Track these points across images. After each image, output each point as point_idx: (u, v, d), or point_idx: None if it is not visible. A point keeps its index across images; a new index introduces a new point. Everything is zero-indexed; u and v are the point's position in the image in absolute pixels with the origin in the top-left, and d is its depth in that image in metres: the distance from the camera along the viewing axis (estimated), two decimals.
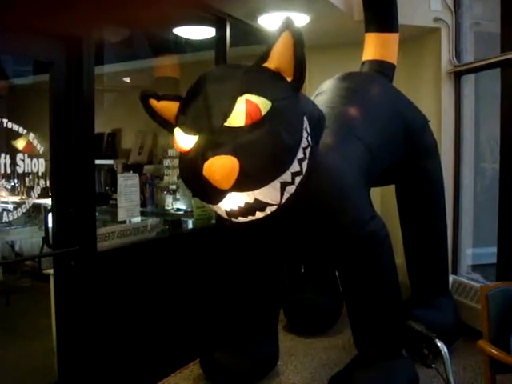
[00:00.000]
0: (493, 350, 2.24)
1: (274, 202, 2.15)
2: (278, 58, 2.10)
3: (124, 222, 3.13)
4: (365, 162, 2.78)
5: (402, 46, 3.65)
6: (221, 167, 1.95)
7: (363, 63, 3.53)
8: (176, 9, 3.51)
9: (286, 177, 2.11)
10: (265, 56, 2.13)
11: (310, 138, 2.16)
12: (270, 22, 3.81)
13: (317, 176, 2.32)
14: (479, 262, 4.21)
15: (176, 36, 4.08)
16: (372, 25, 3.54)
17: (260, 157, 2.00)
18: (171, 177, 3.96)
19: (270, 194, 2.11)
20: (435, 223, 3.50)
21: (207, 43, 3.91)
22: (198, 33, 3.99)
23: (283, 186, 2.11)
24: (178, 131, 2.16)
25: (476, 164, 4.27)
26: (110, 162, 5.26)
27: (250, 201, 2.10)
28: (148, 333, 3.08)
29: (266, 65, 2.12)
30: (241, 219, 2.19)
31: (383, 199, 4.30)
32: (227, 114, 2.00)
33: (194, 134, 2.08)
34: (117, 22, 3.82)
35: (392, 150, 3.09)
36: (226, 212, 2.18)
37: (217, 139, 2.01)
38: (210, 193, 2.08)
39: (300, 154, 2.12)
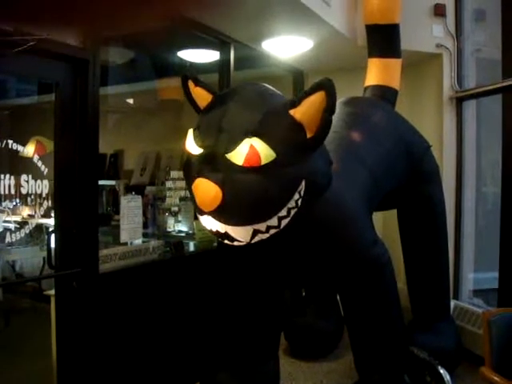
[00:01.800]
0: (495, 377, 2.22)
1: (242, 240, 2.16)
2: (306, 113, 2.04)
3: (126, 243, 3.12)
4: (368, 186, 2.78)
5: (405, 72, 3.68)
6: (205, 191, 2.01)
7: (366, 88, 3.56)
8: (181, 32, 3.55)
9: (261, 227, 2.11)
10: (296, 103, 2.06)
11: (299, 201, 2.13)
12: (274, 46, 3.85)
13: (321, 203, 2.31)
14: (481, 287, 4.20)
15: (180, 59, 4.11)
16: (375, 50, 3.57)
17: (243, 200, 2.01)
18: (173, 198, 3.95)
19: (241, 234, 2.13)
20: (437, 248, 3.49)
21: (211, 66, 3.94)
22: (203, 56, 4.03)
23: (255, 232, 2.13)
24: (190, 134, 2.17)
25: (478, 188, 4.28)
26: (112, 182, 5.27)
27: (221, 231, 2.12)
28: (149, 355, 3.06)
29: (292, 111, 2.06)
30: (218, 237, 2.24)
31: (385, 223, 4.30)
32: (230, 148, 2.00)
33: (200, 147, 2.09)
34: (123, 44, 3.87)
35: (394, 175, 3.10)
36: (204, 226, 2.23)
37: (214, 164, 2.03)
38: (195, 204, 2.14)
39: (283, 212, 2.11)
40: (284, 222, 2.14)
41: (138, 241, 3.24)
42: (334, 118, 3.02)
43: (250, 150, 1.97)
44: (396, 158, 3.09)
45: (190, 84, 2.31)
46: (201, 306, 3.44)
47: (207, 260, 3.54)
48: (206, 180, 2.01)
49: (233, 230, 2.11)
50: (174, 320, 3.24)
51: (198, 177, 2.04)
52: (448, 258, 3.59)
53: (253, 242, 2.17)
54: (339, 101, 3.45)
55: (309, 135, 2.06)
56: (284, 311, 3.20)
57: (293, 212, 2.14)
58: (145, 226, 3.88)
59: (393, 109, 3.50)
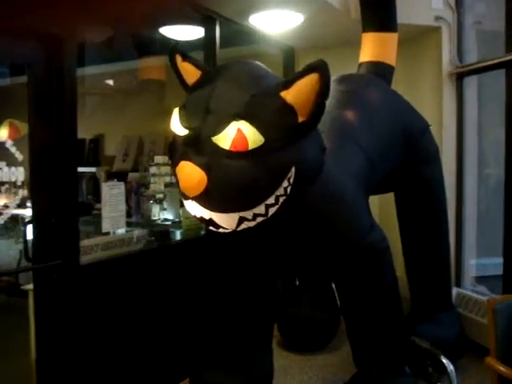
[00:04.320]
0: (501, 368, 2.24)
1: (228, 228, 2.18)
2: (298, 95, 2.03)
3: (108, 233, 3.12)
4: (363, 169, 2.79)
5: (401, 47, 3.66)
6: (189, 175, 2.02)
7: (360, 65, 3.55)
8: (162, 7, 3.52)
9: (247, 214, 2.13)
10: (287, 84, 2.05)
11: (288, 189, 2.13)
12: (262, 21, 3.82)
13: (314, 186, 2.31)
14: (484, 274, 4.22)
15: (162, 36, 4.08)
16: (369, 24, 3.55)
17: (228, 186, 2.02)
18: (158, 185, 3.95)
19: (226, 221, 2.15)
20: (436, 233, 3.52)
21: (195, 44, 3.91)
22: (186, 33, 3.99)
23: (241, 220, 2.14)
24: (176, 113, 2.16)
25: (479, 170, 4.29)
26: (93, 169, 5.26)
27: (205, 217, 2.14)
28: (134, 350, 3.06)
29: (283, 93, 2.04)
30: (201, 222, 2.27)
31: (382, 208, 4.32)
32: (216, 131, 2.00)
33: (186, 128, 2.09)
34: (100, 21, 3.82)
35: (391, 156, 3.10)
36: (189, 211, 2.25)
37: (199, 147, 2.03)
38: (180, 186, 2.15)
39: (271, 200, 2.12)
40: (272, 210, 2.15)
41: (122, 230, 3.24)
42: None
43: (237, 134, 1.97)
44: (393, 138, 3.10)
45: (177, 58, 2.30)
46: (189, 298, 3.44)
47: (195, 249, 3.54)
48: (191, 163, 2.02)
49: (218, 217, 2.13)
50: (161, 313, 3.25)
51: (182, 159, 2.05)
52: (449, 244, 3.62)
53: (239, 229, 2.18)
54: (332, 79, 3.43)
55: (300, 119, 2.06)
56: (276, 301, 3.21)
57: (281, 200, 2.15)
58: (128, 214, 3.86)
59: (389, 86, 3.49)
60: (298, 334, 3.88)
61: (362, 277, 2.65)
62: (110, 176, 4.89)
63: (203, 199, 2.06)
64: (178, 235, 3.87)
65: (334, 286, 3.23)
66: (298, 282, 4.21)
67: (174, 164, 2.16)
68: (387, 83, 3.50)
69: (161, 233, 3.76)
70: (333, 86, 3.20)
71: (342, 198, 2.56)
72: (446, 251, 3.60)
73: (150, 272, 3.18)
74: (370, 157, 2.84)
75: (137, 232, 3.34)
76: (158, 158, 3.99)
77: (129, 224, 3.67)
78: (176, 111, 2.17)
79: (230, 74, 2.15)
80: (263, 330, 3.05)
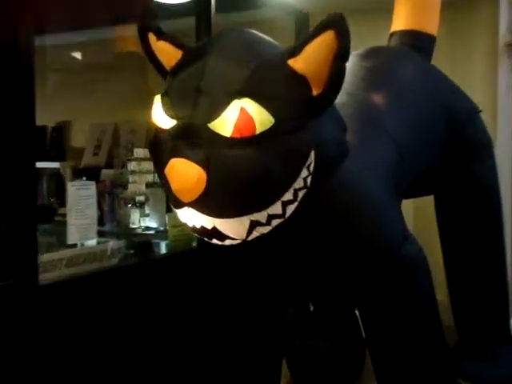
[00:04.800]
0: None
1: (236, 237, 2.16)
2: (311, 61, 2.03)
3: (75, 245, 3.14)
4: (395, 165, 2.80)
5: (445, 12, 3.66)
6: (184, 176, 1.99)
7: (392, 35, 3.57)
8: None
9: (260, 217, 2.10)
10: (295, 51, 2.05)
11: (308, 180, 2.12)
12: None
13: (334, 186, 2.33)
14: None
15: None
16: None
17: (234, 182, 2.00)
18: (138, 185, 3.98)
19: (234, 229, 2.13)
20: (489, 247, 3.51)
21: (186, 8, 3.93)
22: None
23: (254, 224, 2.11)
24: (157, 101, 2.14)
25: None
26: (56, 164, 5.28)
27: (207, 226, 2.11)
28: None
29: (291, 62, 2.05)
30: (197, 235, 2.25)
31: (417, 215, 4.33)
32: (214, 114, 1.97)
33: (173, 118, 2.07)
34: None
35: (430, 149, 3.12)
36: (182, 224, 2.24)
37: (193, 138, 2.01)
38: (169, 191, 2.12)
39: (288, 196, 2.10)
40: (290, 209, 2.13)
41: (92, 241, 3.26)
42: (349, 75, 3.02)
43: (241, 115, 1.94)
44: (432, 127, 3.11)
45: (151, 37, 2.29)
46: (176, 326, 3.46)
47: (184, 265, 3.56)
48: (184, 160, 1.98)
49: (223, 225, 2.09)
50: (140, 343, 3.26)
51: (173, 157, 2.01)
52: (505, 261, 3.61)
53: (250, 238, 2.16)
54: (355, 53, 3.45)
55: (315, 91, 2.06)
56: (285, 331, 3.23)
57: (301, 195, 2.12)
58: (100, 221, 3.90)
59: (428, 62, 3.50)
60: (313, 371, 3.87)
61: (394, 299, 2.63)
62: (78, 173, 4.90)
63: (203, 203, 2.02)
64: (163, 248, 3.91)
65: (357, 311, 3.23)
66: (312, 308, 4.23)
67: (159, 166, 2.13)
68: (426, 58, 3.50)
69: (141, 245, 3.78)
70: (357, 62, 3.27)
71: (369, 202, 2.55)
72: (502, 270, 3.59)
73: (127, 294, 3.18)
74: (402, 150, 2.84)
75: (111, 244, 3.36)
76: (139, 151, 4.02)
77: (101, 233, 3.68)
78: (157, 99, 2.14)
79: (223, 45, 2.14)
80: (268, 368, 3.06)
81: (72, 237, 3.09)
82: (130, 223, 4.12)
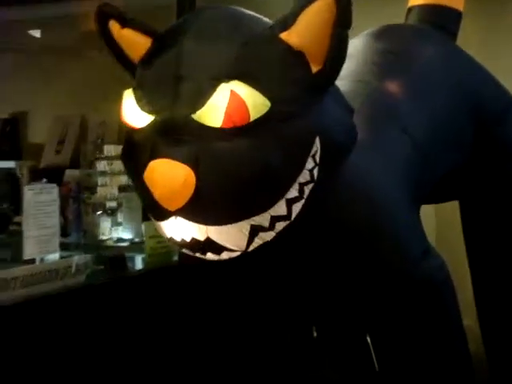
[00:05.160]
0: None
1: (235, 248, 2.13)
2: (306, 34, 2.04)
3: (33, 260, 3.15)
4: (414, 165, 2.79)
5: None
6: (168, 179, 1.96)
7: (410, 10, 3.57)
8: None
9: (262, 220, 2.08)
10: (287, 22, 2.06)
11: (315, 172, 2.12)
12: None
13: (341, 190, 2.33)
14: None
15: None
16: None
17: (228, 180, 1.99)
18: (109, 188, 3.99)
19: (232, 238, 2.10)
20: None
21: None
22: None
23: (255, 230, 2.09)
24: (128, 97, 2.12)
25: None
26: (10, 164, 5.27)
27: (200, 237, 2.09)
28: None
29: (284, 35, 2.05)
30: (187, 252, 2.24)
31: (440, 223, 4.34)
32: (199, 102, 1.97)
33: (150, 113, 2.06)
34: None
35: (455, 147, 3.12)
36: (167, 239, 2.22)
37: (176, 135, 2.00)
38: (149, 201, 2.09)
39: (293, 192, 2.09)
40: (296, 208, 2.12)
41: (54, 256, 3.28)
42: (359, 59, 3.05)
43: (232, 100, 1.93)
44: (457, 120, 3.10)
45: (113, 25, 2.28)
46: (154, 354, 3.47)
47: (163, 283, 3.59)
48: (167, 160, 1.96)
49: (219, 233, 2.07)
50: (113, 374, 3.26)
51: (153, 159, 1.99)
52: None
53: (251, 248, 2.13)
54: (366, 32, 3.44)
55: (315, 68, 2.07)
56: (285, 360, 3.23)
57: (307, 190, 2.12)
58: (64, 231, 3.90)
59: (453, 43, 3.50)
60: None
61: (412, 324, 2.61)
62: (37, 174, 4.89)
63: (194, 209, 1.99)
64: (138, 262, 3.94)
65: (368, 337, 3.24)
66: (315, 333, 4.23)
67: (136, 174, 2.10)
68: (450, 38, 3.49)
69: (113, 259, 3.78)
70: (368, 44, 3.27)
71: (382, 208, 2.54)
72: None
73: (96, 317, 3.20)
74: (422, 147, 2.83)
75: (77, 258, 3.34)
76: (110, 149, 4.03)
77: (64, 246, 3.70)
78: (128, 94, 2.13)
79: (201, 25, 2.14)
80: None
81: (29, 251, 3.08)
82: (100, 234, 4.12)
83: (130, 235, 4.08)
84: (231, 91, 1.93)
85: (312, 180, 2.11)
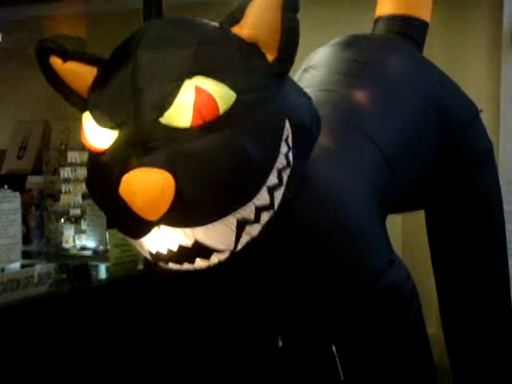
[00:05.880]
0: None
1: (224, 247, 2.16)
2: (256, 23, 2.11)
3: None
4: (380, 175, 2.84)
5: None
6: (146, 187, 1.92)
7: (377, 20, 3.61)
8: None
9: (247, 212, 2.11)
10: (236, 16, 2.12)
11: (291, 155, 2.17)
12: None
13: (305, 197, 2.36)
14: None
15: None
16: None
17: (209, 176, 2.00)
18: (73, 196, 4.00)
19: (220, 236, 2.12)
20: (491, 271, 3.54)
21: None
22: None
23: (241, 224, 2.12)
24: (87, 118, 2.13)
25: None
26: None
27: (188, 243, 2.10)
28: None
29: (235, 30, 2.12)
30: (173, 266, 2.21)
31: (406, 232, 4.39)
32: (165, 104, 2.00)
33: (113, 128, 2.07)
34: None
35: (421, 157, 3.16)
36: (151, 254, 2.19)
37: (146, 142, 2.00)
38: (127, 221, 2.08)
39: (273, 179, 2.12)
40: (278, 196, 2.15)
41: (15, 265, 3.30)
42: (325, 68, 3.08)
43: (198, 95, 1.97)
44: (423, 129, 3.15)
45: (54, 61, 2.30)
46: (118, 366, 3.49)
47: (128, 293, 3.62)
48: (142, 169, 1.95)
49: (206, 233, 2.08)
50: None
51: (126, 172, 1.96)
52: (509, 287, 3.64)
53: (240, 246, 2.16)
54: (333, 42, 3.48)
55: (270, 57, 2.14)
56: (249, 371, 3.25)
57: (285, 176, 2.15)
58: (26, 239, 3.89)
59: (419, 53, 3.54)
60: None
61: (377, 335, 2.66)
62: None
63: (178, 212, 1.97)
64: (102, 272, 3.95)
65: (334, 348, 3.26)
66: (280, 343, 4.24)
67: (108, 193, 2.07)
68: (417, 48, 3.54)
69: (76, 268, 3.73)
70: (335, 53, 3.31)
71: (348, 219, 2.58)
72: (506, 297, 3.62)
73: (58, 327, 3.22)
74: (388, 157, 2.87)
75: (39, 268, 3.34)
76: (74, 155, 4.04)
77: (26, 254, 3.72)
78: (86, 117, 2.13)
79: (150, 36, 2.16)
80: None
81: None
82: (63, 242, 4.12)
83: (93, 244, 4.09)
84: (196, 86, 1.97)
85: (288, 164, 2.14)
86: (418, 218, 3.67)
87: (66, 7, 5.00)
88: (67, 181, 4.02)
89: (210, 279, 2.53)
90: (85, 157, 3.83)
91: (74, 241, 4.11)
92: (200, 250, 2.11)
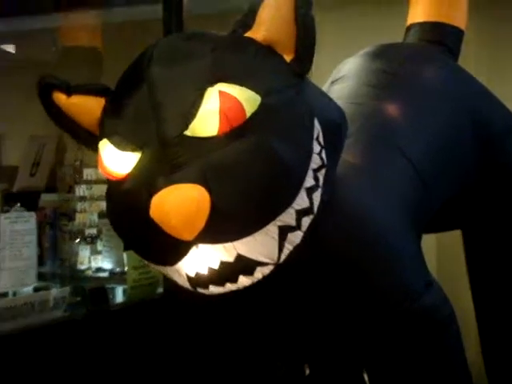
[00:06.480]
0: None
1: (268, 260, 2.11)
2: (269, 24, 2.10)
3: (5, 294, 3.14)
4: (413, 192, 2.80)
5: (477, 2, 3.71)
6: (181, 204, 1.86)
7: (409, 28, 3.59)
8: None
9: (288, 218, 2.07)
10: (247, 22, 2.12)
11: (324, 154, 2.15)
12: None
13: (334, 216, 2.32)
14: None
15: None
16: None
17: (243, 185, 1.96)
18: (89, 215, 3.98)
19: (262, 247, 2.07)
20: None
21: None
22: None
23: (283, 231, 2.07)
24: (105, 145, 2.10)
25: None
26: None
27: (230, 259, 2.05)
28: None
29: (249, 35, 2.11)
30: (214, 289, 2.16)
31: (441, 254, 4.34)
32: (188, 116, 1.97)
33: (134, 151, 2.04)
34: None
35: (457, 171, 3.11)
36: (190, 279, 2.14)
37: (173, 158, 1.96)
38: (161, 248, 2.04)
39: (309, 181, 2.10)
40: (316, 198, 2.12)
41: (28, 289, 3.26)
42: (354, 80, 3.07)
43: (223, 100, 1.95)
44: (460, 143, 3.11)
45: (58, 96, 2.27)
46: None
47: (147, 318, 3.58)
48: (173, 187, 1.89)
49: (249, 245, 2.04)
50: None
51: (155, 193, 1.90)
52: None
53: (283, 257, 2.11)
54: (363, 52, 3.45)
55: (288, 57, 2.12)
56: None
57: (321, 177, 2.13)
58: (39, 260, 3.87)
59: (454, 62, 3.51)
60: None
61: (413, 362, 2.61)
62: (10, 199, 4.81)
63: (216, 227, 1.93)
64: (120, 295, 3.94)
65: (366, 375, 3.22)
66: (307, 371, 4.20)
67: (136, 219, 2.02)
68: (452, 57, 3.50)
69: (93, 291, 3.74)
70: (364, 64, 3.29)
71: (379, 235, 2.53)
72: None
73: (74, 354, 3.19)
74: (422, 173, 2.84)
75: (54, 291, 3.33)
76: (90, 172, 4.01)
77: (40, 276, 3.65)
78: (104, 144, 2.11)
79: (163, 54, 2.16)
80: None
81: (5, 283, 3.07)
82: (78, 263, 4.10)
83: (110, 265, 4.06)
84: (220, 91, 1.95)
85: (323, 164, 2.13)
86: (454, 235, 3.63)
87: (81, 17, 5.00)
88: (83, 199, 4.00)
89: (238, 302, 2.50)
90: (100, 173, 3.84)
91: (89, 262, 4.09)
92: (243, 264, 2.07)
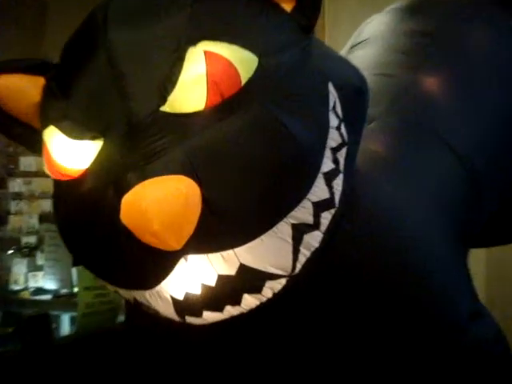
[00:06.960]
0: None
1: (280, 272, 2.03)
2: None
3: None
4: (458, 191, 2.82)
5: None
6: (163, 203, 1.73)
7: None
8: None
9: (304, 213, 2.00)
10: None
11: (343, 129, 2.10)
12: None
13: (353, 224, 2.29)
14: None
15: None
16: None
17: (243, 171, 1.88)
18: (26, 218, 4.00)
19: (272, 254, 1.99)
20: None
21: None
22: None
23: (298, 232, 2.00)
24: (52, 134, 2.04)
25: None
26: None
27: (230, 272, 1.95)
28: None
29: None
30: (209, 316, 2.06)
31: (491, 271, 4.42)
32: (166, 86, 1.90)
33: (94, 139, 1.97)
34: None
35: None
36: (176, 303, 2.03)
37: (147, 144, 1.87)
38: (135, 265, 1.94)
39: (328, 164, 2.05)
40: (337, 187, 2.07)
41: None
42: (382, 46, 3.09)
43: (210, 61, 1.88)
44: None
45: None
46: None
47: (104, 354, 3.61)
48: (149, 182, 1.78)
49: (254, 251, 1.95)
50: None
51: (126, 190, 1.79)
52: None
53: (299, 265, 2.03)
54: (394, 7, 3.50)
55: (288, 7, 2.09)
56: None
57: (342, 160, 2.08)
58: None
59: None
60: None
61: None
62: None
63: (210, 231, 1.85)
64: (66, 324, 3.91)
65: None
66: None
67: (96, 233, 1.95)
68: (508, 17, 3.48)
69: (31, 319, 3.73)
70: (396, 24, 3.32)
71: (410, 251, 2.52)
72: None
73: None
74: (471, 169, 2.85)
75: None
76: (29, 162, 4.03)
77: None
78: (50, 132, 2.05)
79: (123, 9, 2.10)
80: None
81: None
82: (12, 282, 4.10)
83: (54, 285, 4.02)
84: (206, 52, 1.89)
85: (344, 142, 2.09)
86: (506, 252, 3.64)
87: None
88: (19, 196, 4.00)
89: (229, 337, 2.38)
90: (41, 163, 3.81)
91: (26, 281, 4.06)
92: (248, 278, 1.98)
